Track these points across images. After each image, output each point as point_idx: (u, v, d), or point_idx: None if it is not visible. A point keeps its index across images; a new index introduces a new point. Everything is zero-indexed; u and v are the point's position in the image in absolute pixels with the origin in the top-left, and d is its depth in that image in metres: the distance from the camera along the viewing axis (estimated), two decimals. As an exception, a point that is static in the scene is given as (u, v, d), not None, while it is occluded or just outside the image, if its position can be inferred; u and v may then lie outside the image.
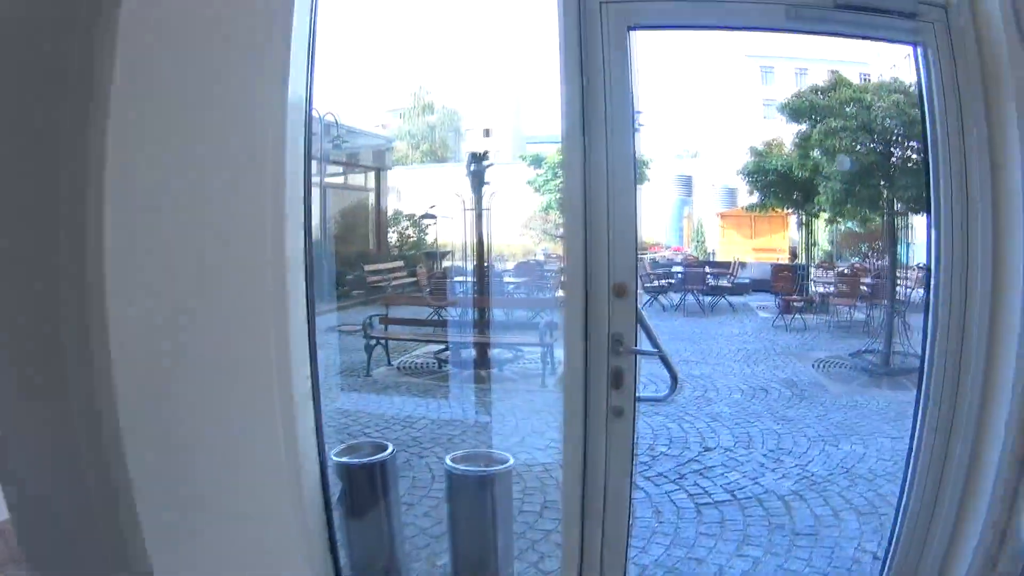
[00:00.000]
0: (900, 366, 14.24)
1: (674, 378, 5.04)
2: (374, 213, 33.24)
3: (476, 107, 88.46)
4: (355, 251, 29.61)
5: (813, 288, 21.53)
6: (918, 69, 4.10)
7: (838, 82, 14.79)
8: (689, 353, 15.74)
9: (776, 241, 38.59)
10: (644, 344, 4.14)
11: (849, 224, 27.79)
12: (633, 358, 3.94)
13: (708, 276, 22.62)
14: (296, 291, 3.68)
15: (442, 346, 14.83)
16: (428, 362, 14.66)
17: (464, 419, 11.21)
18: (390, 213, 34.22)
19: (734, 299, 22.88)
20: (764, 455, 9.71)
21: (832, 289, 19.69)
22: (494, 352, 14.30)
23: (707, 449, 9.85)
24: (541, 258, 31.16)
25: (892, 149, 13.75)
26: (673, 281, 23.52)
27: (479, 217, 14.73)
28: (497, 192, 14.91)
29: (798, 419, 11.11)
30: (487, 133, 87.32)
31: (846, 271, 19.89)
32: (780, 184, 21.47)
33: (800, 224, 37.08)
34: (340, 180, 32.32)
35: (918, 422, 4.21)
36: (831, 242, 31.68)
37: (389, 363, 14.63)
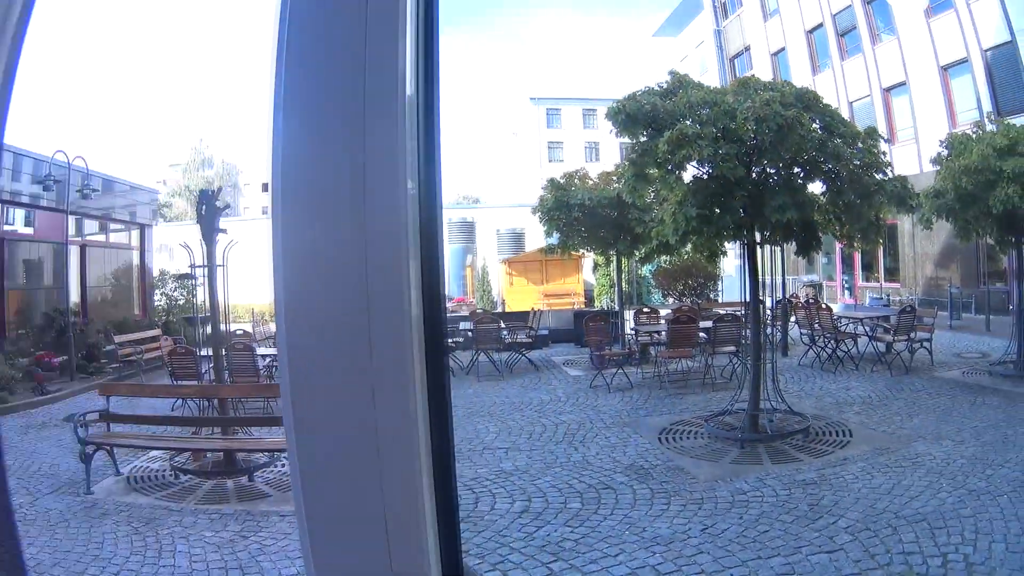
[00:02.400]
0: (773, 428, 10.83)
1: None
2: (138, 274, 29.18)
3: (255, 161, 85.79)
4: (119, 317, 25.29)
5: (632, 336, 18.12)
6: None
7: (682, 83, 11.24)
8: (493, 435, 11.94)
9: (570, 285, 36.22)
10: None
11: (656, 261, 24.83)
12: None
13: (503, 331, 18.57)
14: None
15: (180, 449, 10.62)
16: (165, 470, 10.54)
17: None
18: (156, 274, 30.17)
19: (534, 354, 19.51)
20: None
21: (660, 337, 16.28)
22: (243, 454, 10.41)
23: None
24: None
25: (752, 163, 10.34)
26: (461, 340, 19.81)
27: (211, 273, 10.68)
28: (235, 242, 10.83)
29: (677, 537, 7.38)
30: (265, 187, 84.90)
31: (680, 316, 16.16)
32: (585, 221, 18.18)
33: (597, 265, 34.54)
34: (101, 238, 27.89)
35: None
36: (629, 283, 28.40)
37: (118, 471, 10.50)
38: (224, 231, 10.60)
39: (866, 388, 13.79)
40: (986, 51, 23.93)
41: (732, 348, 15.15)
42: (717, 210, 10.46)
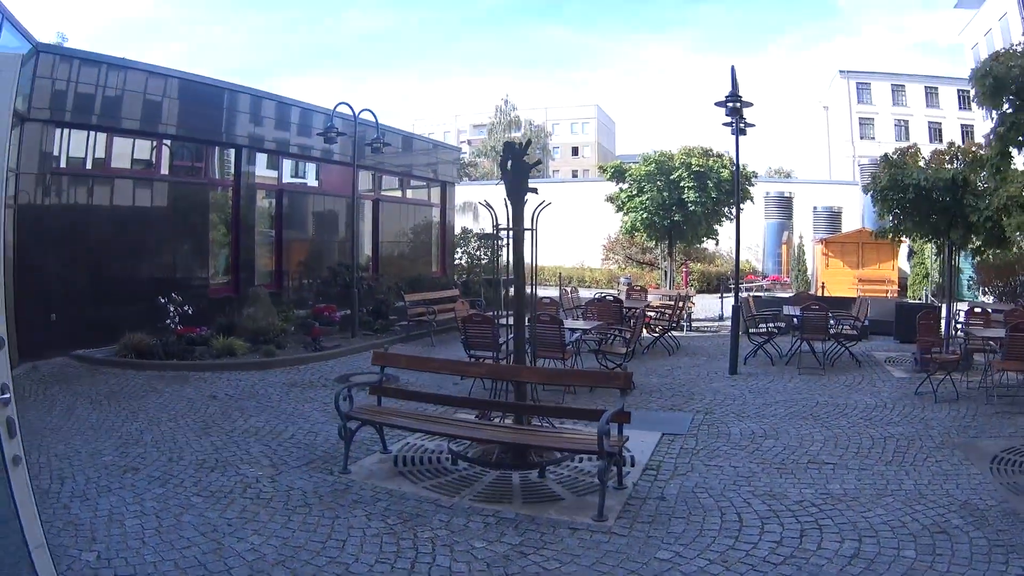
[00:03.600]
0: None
1: None
2: (438, 231, 28.98)
3: (564, 124, 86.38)
4: (414, 274, 25.06)
5: (962, 338, 15.99)
6: None
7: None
8: (819, 444, 10.46)
9: (885, 272, 34.05)
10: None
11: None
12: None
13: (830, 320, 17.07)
14: None
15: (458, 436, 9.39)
16: (441, 453, 9.64)
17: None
18: (458, 231, 29.87)
19: (855, 347, 18.01)
20: None
21: (992, 345, 14.27)
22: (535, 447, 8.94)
23: None
24: (620, 290, 25.52)
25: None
26: (783, 325, 18.24)
27: (518, 237, 9.60)
28: (547, 203, 9.57)
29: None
30: (576, 151, 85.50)
31: (1018, 322, 13.77)
32: (920, 204, 16.25)
33: (912, 252, 32.09)
34: (397, 193, 27.70)
35: None
36: (942, 274, 26.07)
37: (385, 449, 9.75)
38: (535, 190, 9.43)
39: None
40: None
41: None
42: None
